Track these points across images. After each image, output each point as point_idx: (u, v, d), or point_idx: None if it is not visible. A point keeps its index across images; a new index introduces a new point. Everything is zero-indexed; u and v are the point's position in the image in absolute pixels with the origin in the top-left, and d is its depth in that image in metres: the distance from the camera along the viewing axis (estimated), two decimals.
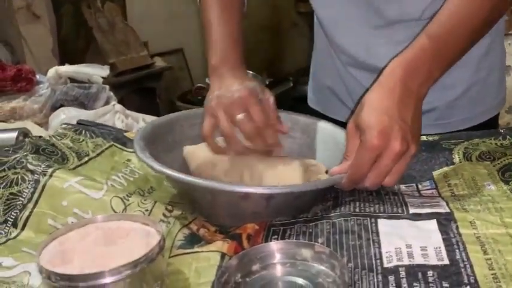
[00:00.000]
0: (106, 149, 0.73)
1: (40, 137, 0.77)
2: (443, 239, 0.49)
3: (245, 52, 0.72)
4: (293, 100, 2.37)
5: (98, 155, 0.71)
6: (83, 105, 1.06)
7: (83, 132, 0.75)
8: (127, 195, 0.59)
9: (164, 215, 0.57)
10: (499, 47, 0.84)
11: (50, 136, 0.73)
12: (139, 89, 2.44)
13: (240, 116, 0.62)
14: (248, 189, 0.55)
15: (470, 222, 0.51)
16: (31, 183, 0.60)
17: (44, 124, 1.03)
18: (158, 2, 2.81)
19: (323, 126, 0.76)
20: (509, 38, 2.09)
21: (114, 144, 0.75)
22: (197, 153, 0.68)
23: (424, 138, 0.72)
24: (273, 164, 0.65)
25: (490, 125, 0.84)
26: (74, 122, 0.83)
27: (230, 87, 0.65)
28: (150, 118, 1.04)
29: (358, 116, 0.56)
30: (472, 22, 0.62)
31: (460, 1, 0.62)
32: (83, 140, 0.73)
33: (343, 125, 0.68)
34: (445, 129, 0.81)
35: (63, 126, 0.78)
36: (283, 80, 3.18)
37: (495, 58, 0.83)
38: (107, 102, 1.09)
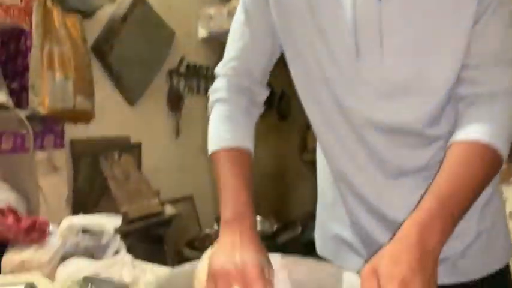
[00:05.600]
0: None
1: None
2: None
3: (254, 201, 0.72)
4: (302, 246, 2.37)
5: None
6: (92, 255, 1.08)
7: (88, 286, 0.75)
8: None
9: None
10: (497, 197, 0.86)
11: None
12: (148, 236, 2.46)
13: None
14: None
15: None
16: None
17: (51, 275, 1.03)
18: (171, 153, 2.92)
19: None
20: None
21: None
22: None
23: None
24: None
25: (503, 275, 0.85)
26: (82, 274, 0.86)
27: (241, 254, 0.63)
28: (158, 269, 1.05)
29: (379, 264, 0.56)
30: (476, 179, 0.66)
31: (461, 160, 0.67)
32: None
33: None
34: (458, 279, 0.82)
35: (69, 284, 0.78)
36: (291, 224, 3.24)
37: (495, 208, 0.85)
38: (116, 252, 1.11)
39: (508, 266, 0.86)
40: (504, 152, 0.68)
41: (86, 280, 0.80)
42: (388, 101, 0.74)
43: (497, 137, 0.68)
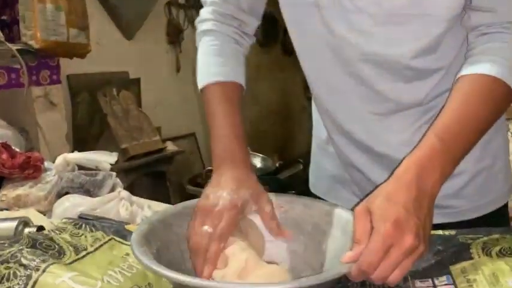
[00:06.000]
0: (105, 243, 0.71)
1: (40, 228, 0.78)
2: None
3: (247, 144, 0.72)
4: (303, 183, 2.33)
5: (96, 249, 0.68)
6: (88, 192, 1.07)
7: (83, 226, 0.74)
8: None
9: None
10: (501, 134, 0.83)
11: (49, 230, 0.72)
12: (150, 173, 2.48)
13: (204, 228, 0.61)
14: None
15: None
16: (23, 279, 0.58)
17: (47, 212, 1.03)
18: (171, 89, 2.84)
19: None
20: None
21: (114, 237, 0.73)
22: None
23: (440, 232, 0.70)
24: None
25: (499, 215, 0.82)
26: (78, 210, 0.87)
27: (222, 190, 0.64)
28: (155, 205, 1.04)
29: (373, 203, 0.54)
30: (483, 114, 0.63)
31: (468, 94, 0.63)
32: (82, 234, 0.71)
33: None
34: (454, 218, 0.79)
35: (64, 220, 0.77)
36: (293, 162, 3.23)
37: (498, 145, 0.81)
38: (112, 189, 1.09)
39: (505, 205, 0.84)
40: None
41: (81, 219, 0.79)
42: (383, 30, 0.68)
43: (508, 70, 0.63)
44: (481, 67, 0.63)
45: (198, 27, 0.83)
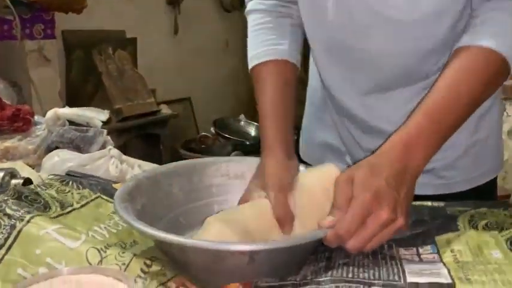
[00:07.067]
0: (91, 200, 0.70)
1: (27, 180, 0.77)
2: None
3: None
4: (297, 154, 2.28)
5: (83, 206, 0.67)
6: (78, 148, 1.05)
7: (70, 183, 0.73)
8: (105, 247, 0.55)
9: (142, 270, 0.54)
10: (496, 109, 0.81)
11: (34, 185, 0.72)
12: (144, 135, 2.45)
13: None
14: (220, 246, 0.50)
15: None
16: (6, 228, 0.57)
17: (36, 166, 1.00)
18: (168, 52, 2.77)
19: None
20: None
21: (101, 196, 0.72)
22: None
23: (428, 203, 0.70)
24: None
25: (489, 188, 0.83)
26: (67, 165, 0.87)
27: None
28: (145, 164, 1.02)
29: (356, 172, 0.54)
30: (476, 87, 0.61)
31: (462, 66, 0.62)
32: (69, 191, 0.70)
33: None
34: (445, 190, 0.79)
35: (50, 177, 0.76)
36: None
37: (493, 119, 0.81)
38: (103, 147, 1.07)
39: (495, 179, 0.84)
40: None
41: (68, 176, 0.78)
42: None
43: (507, 44, 0.61)
44: (480, 39, 0.62)
45: (247, 6, 0.82)
